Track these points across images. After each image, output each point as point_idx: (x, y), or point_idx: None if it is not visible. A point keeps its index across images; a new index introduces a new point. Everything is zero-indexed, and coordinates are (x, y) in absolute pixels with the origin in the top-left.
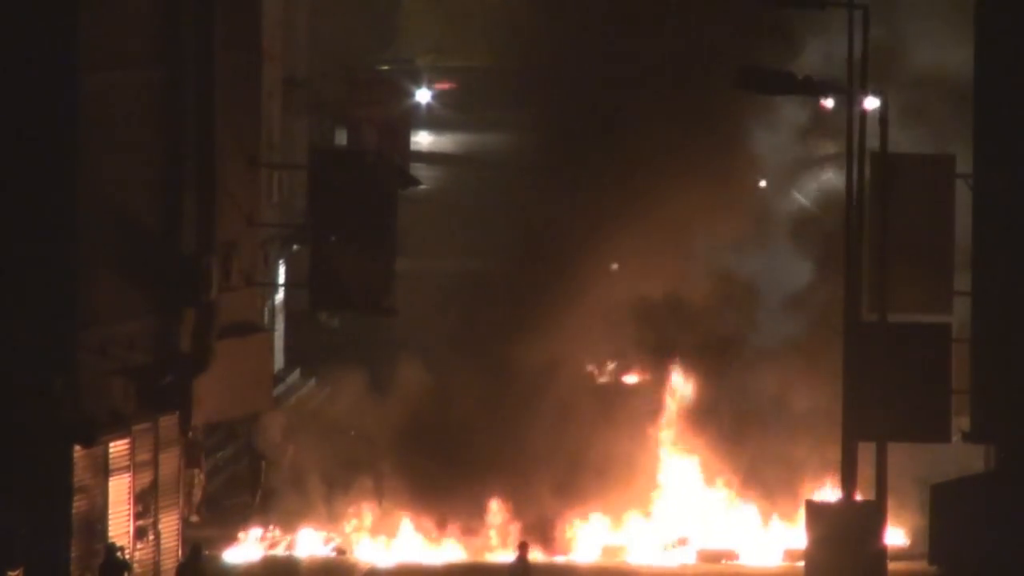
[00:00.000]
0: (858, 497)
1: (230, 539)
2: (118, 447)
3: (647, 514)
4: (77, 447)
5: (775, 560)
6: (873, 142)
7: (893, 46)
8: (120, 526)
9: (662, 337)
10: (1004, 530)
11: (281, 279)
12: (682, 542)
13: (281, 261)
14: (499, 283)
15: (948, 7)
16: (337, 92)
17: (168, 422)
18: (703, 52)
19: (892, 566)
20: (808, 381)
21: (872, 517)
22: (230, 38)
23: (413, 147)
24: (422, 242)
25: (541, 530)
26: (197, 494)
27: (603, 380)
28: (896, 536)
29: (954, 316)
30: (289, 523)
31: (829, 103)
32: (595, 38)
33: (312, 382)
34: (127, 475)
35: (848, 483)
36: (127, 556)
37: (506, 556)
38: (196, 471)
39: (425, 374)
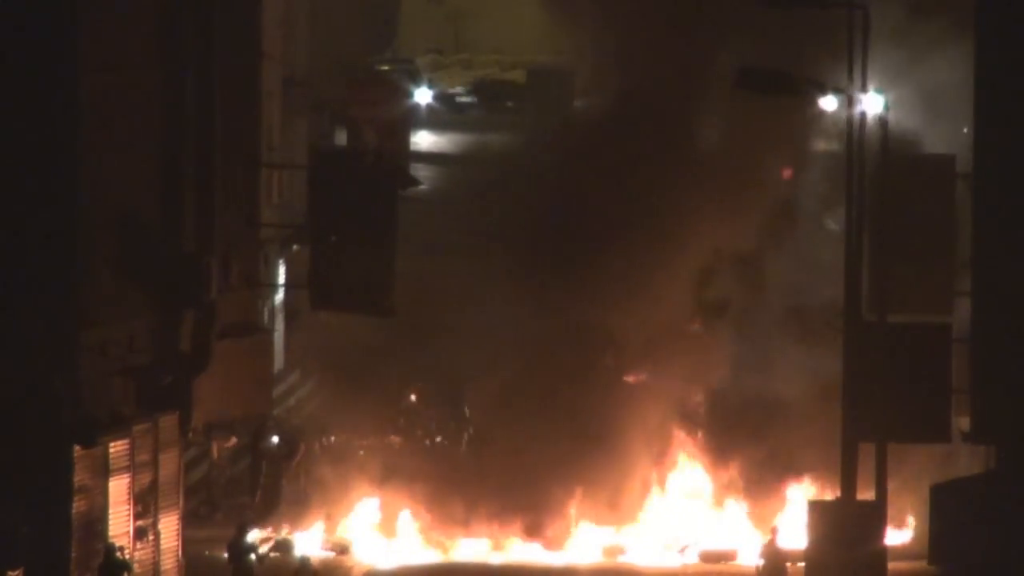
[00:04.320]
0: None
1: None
2: (118, 447)
3: (647, 515)
4: (77, 447)
5: None
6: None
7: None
8: (120, 526)
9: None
10: (1004, 530)
11: (281, 279)
12: (691, 544)
13: (281, 261)
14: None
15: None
16: (337, 92)
17: (168, 422)
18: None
19: (892, 566)
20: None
21: (872, 517)
22: (230, 38)
23: (413, 147)
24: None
25: (538, 526)
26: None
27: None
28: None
29: (954, 316)
30: (289, 523)
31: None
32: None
33: (312, 382)
34: (127, 475)
35: (848, 483)
36: (127, 556)
37: (499, 556)
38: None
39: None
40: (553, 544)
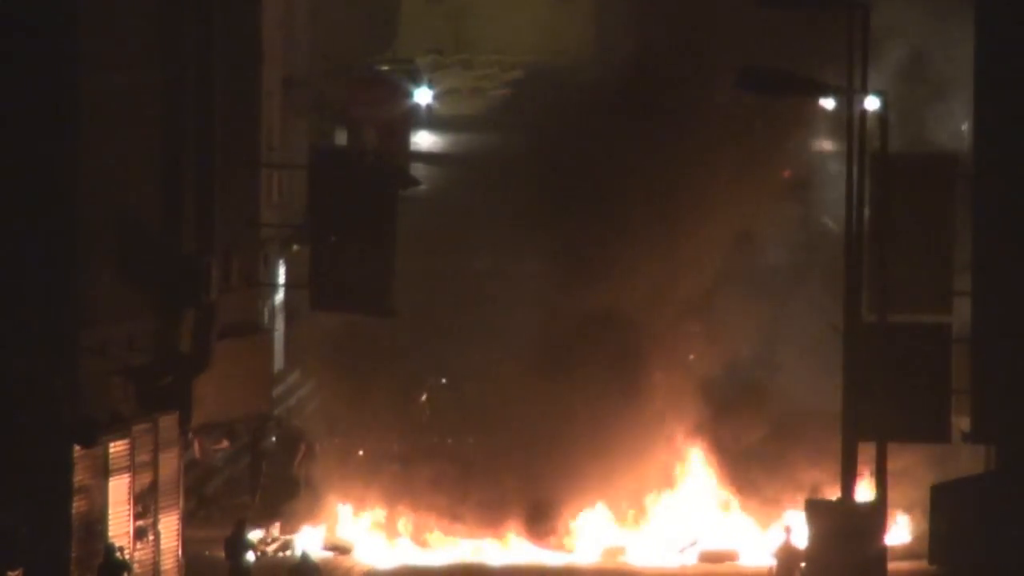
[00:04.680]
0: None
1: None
2: (118, 447)
3: (649, 515)
4: (77, 447)
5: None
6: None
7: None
8: (120, 526)
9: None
10: (1004, 530)
11: (281, 279)
12: (692, 544)
13: (281, 261)
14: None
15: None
16: (337, 92)
17: (168, 422)
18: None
19: (892, 566)
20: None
21: (872, 517)
22: (230, 38)
23: (413, 147)
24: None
25: (539, 522)
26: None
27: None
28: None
29: (954, 316)
30: (289, 523)
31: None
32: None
33: (312, 382)
34: (127, 475)
35: (848, 483)
36: (127, 556)
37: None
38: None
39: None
40: (550, 542)
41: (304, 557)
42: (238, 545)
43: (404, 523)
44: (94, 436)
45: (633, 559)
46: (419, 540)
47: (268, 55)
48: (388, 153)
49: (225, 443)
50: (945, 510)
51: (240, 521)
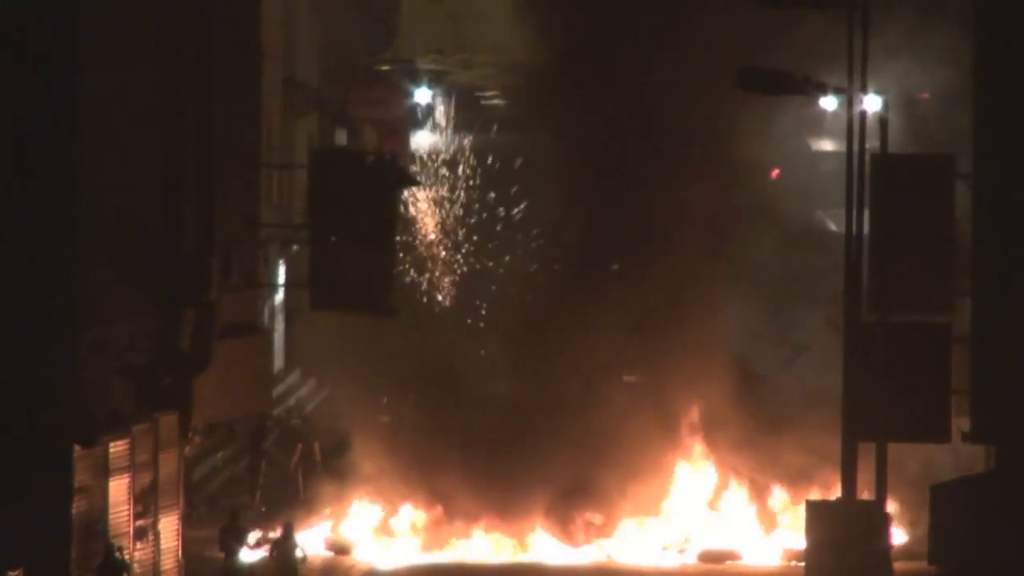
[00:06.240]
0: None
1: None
2: (118, 447)
3: (650, 515)
4: (77, 447)
5: (775, 560)
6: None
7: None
8: (120, 526)
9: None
10: (1004, 530)
11: (281, 279)
12: (685, 543)
13: (281, 261)
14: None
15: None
16: (337, 92)
17: (168, 422)
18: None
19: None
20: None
21: (873, 517)
22: (230, 38)
23: (413, 147)
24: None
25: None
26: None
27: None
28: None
29: (954, 316)
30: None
31: (830, 105)
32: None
33: (312, 382)
34: (127, 475)
35: (848, 483)
36: (127, 556)
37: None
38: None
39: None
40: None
41: (287, 530)
42: (234, 535)
43: (405, 523)
44: (94, 436)
45: (633, 559)
46: (430, 539)
47: (268, 55)
48: (388, 153)
49: (197, 440)
50: (945, 510)
51: (235, 512)
